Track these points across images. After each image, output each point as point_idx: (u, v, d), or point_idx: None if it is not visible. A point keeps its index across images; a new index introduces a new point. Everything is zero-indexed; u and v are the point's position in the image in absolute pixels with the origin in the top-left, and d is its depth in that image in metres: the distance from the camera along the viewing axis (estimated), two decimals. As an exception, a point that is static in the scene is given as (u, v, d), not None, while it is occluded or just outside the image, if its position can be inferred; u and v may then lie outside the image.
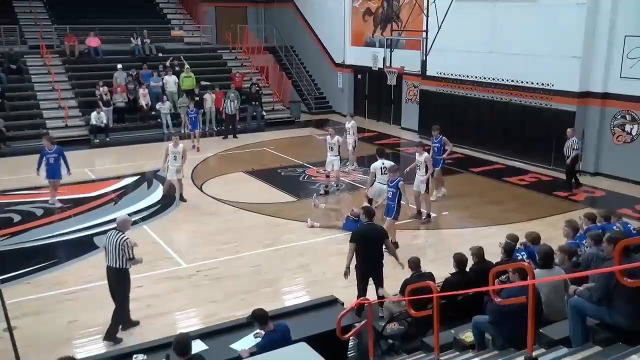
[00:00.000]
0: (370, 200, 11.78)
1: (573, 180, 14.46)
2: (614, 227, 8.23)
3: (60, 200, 13.29)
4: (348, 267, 8.19)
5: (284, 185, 14.84)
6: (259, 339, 6.04)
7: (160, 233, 11.58)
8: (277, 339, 5.75)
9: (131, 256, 7.67)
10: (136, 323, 8.13)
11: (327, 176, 14.14)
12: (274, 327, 5.93)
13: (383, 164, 11.65)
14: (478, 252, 7.42)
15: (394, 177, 10.47)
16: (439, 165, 13.43)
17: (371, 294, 8.17)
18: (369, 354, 6.72)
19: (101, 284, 9.28)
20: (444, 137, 13.55)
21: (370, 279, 8.23)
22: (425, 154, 12.23)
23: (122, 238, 7.63)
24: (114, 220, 11.90)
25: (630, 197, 13.78)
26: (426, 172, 12.06)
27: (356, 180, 15.20)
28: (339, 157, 14.03)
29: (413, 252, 9.95)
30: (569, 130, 14.28)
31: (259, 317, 5.94)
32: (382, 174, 11.49)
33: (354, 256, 8.14)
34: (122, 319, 7.89)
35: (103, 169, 16.85)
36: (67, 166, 13.15)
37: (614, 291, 5.04)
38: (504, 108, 17.63)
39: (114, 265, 7.69)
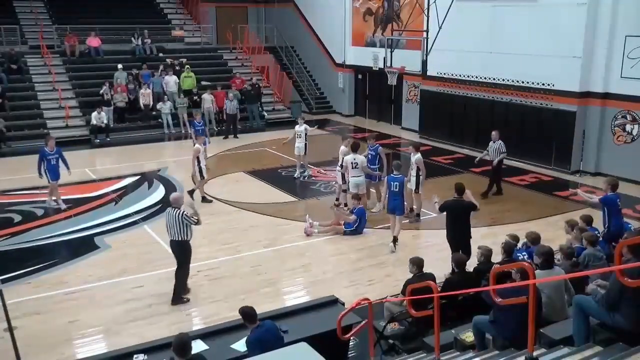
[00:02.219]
0: (357, 195, 11.95)
1: (494, 186, 13.82)
2: (618, 201, 8.34)
3: (61, 201, 13.28)
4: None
5: (285, 185, 14.84)
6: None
7: (161, 233, 11.46)
8: (263, 334, 5.82)
9: (195, 221, 8.53)
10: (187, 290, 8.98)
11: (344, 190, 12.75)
12: (259, 323, 5.97)
13: (354, 159, 12.00)
14: (487, 253, 7.42)
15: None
16: (376, 179, 12.71)
17: (371, 293, 8.17)
18: (369, 354, 6.72)
19: (101, 284, 9.35)
20: (380, 147, 13.17)
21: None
22: (418, 154, 12.06)
23: (180, 212, 8.43)
24: (114, 220, 12.14)
25: (631, 197, 13.75)
26: (417, 171, 11.95)
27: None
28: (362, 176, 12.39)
29: (414, 252, 10.01)
30: (493, 132, 13.78)
31: (246, 315, 5.96)
32: (353, 168, 11.93)
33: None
34: (184, 280, 8.82)
35: (103, 169, 16.86)
36: (67, 166, 13.03)
37: (622, 294, 5.03)
38: (504, 108, 17.63)
39: (177, 239, 8.55)
